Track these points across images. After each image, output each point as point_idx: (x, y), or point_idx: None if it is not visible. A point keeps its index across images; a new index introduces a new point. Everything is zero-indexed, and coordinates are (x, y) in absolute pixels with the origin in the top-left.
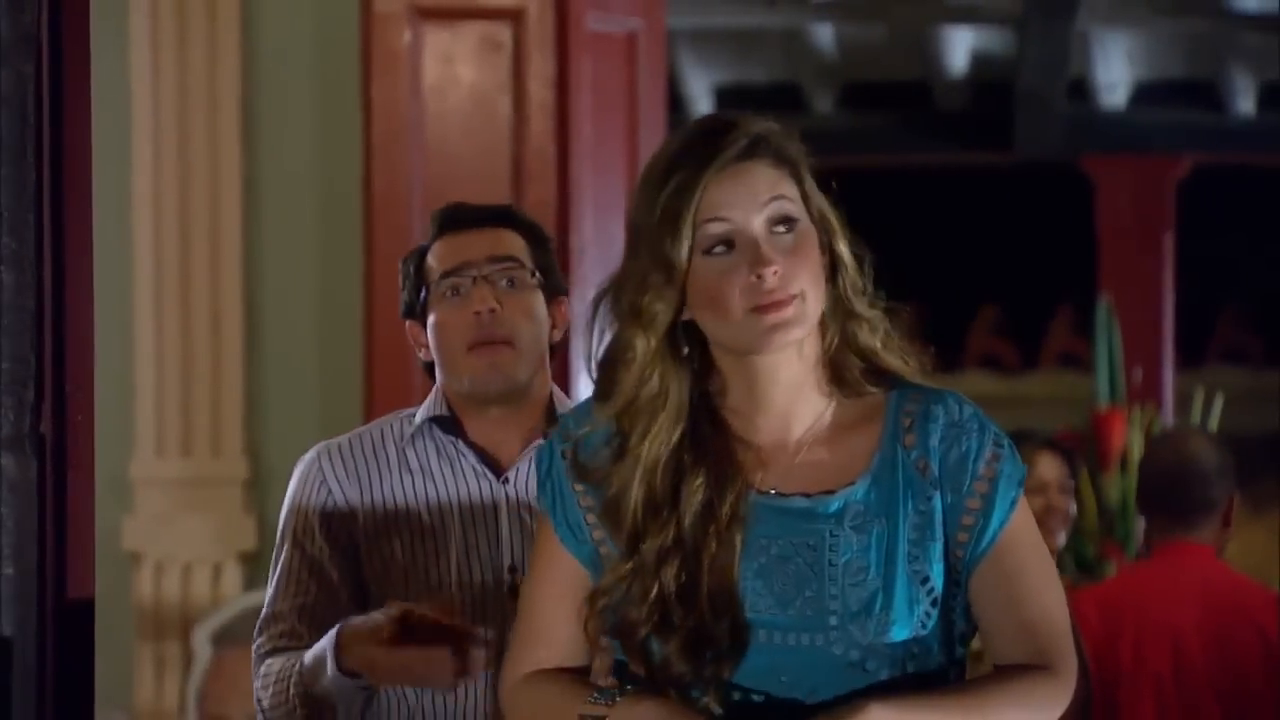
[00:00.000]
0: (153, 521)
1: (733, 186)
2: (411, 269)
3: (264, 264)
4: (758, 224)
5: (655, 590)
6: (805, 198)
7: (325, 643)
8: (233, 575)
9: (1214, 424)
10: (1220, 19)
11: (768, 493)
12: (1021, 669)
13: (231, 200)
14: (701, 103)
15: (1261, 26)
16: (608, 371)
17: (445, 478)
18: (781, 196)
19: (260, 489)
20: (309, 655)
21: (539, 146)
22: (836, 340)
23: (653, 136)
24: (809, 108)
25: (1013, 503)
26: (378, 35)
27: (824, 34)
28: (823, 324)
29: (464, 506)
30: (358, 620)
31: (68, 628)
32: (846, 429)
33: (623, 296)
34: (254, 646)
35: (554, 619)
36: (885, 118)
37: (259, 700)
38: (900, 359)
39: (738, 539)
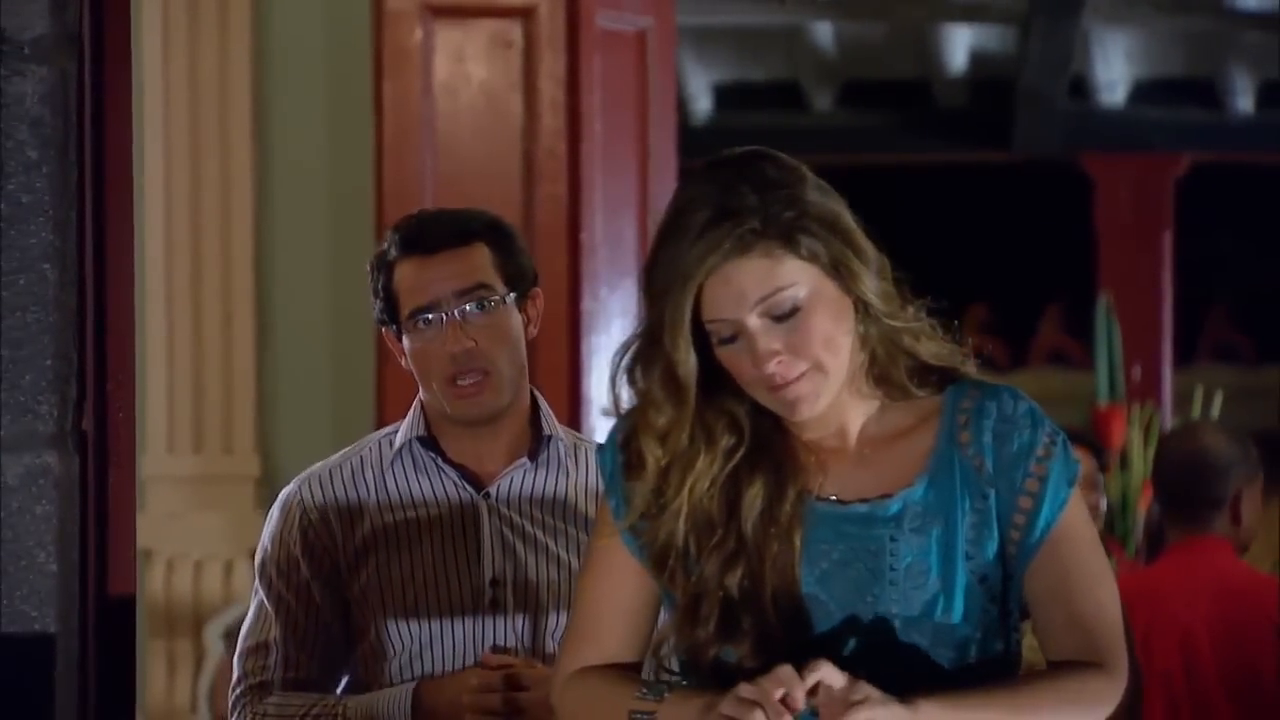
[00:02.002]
0: (164, 519)
1: (724, 290)
2: (380, 286)
3: (275, 261)
4: (753, 320)
5: (720, 603)
6: (811, 257)
7: (391, 699)
8: (244, 573)
9: None
10: (1220, 18)
11: (828, 499)
12: (1072, 665)
13: (243, 198)
14: (702, 101)
15: (1261, 25)
16: (639, 437)
17: (425, 493)
18: (774, 290)
19: (272, 486)
20: (358, 704)
21: (550, 144)
22: (880, 351)
23: (663, 134)
24: (809, 106)
25: (1064, 499)
26: (389, 33)
27: (824, 32)
28: (863, 340)
29: (444, 521)
30: (442, 680)
31: (109, 624)
32: (904, 430)
33: (636, 379)
34: (238, 676)
35: (609, 617)
36: (885, 116)
37: None
38: (944, 351)
39: (797, 538)
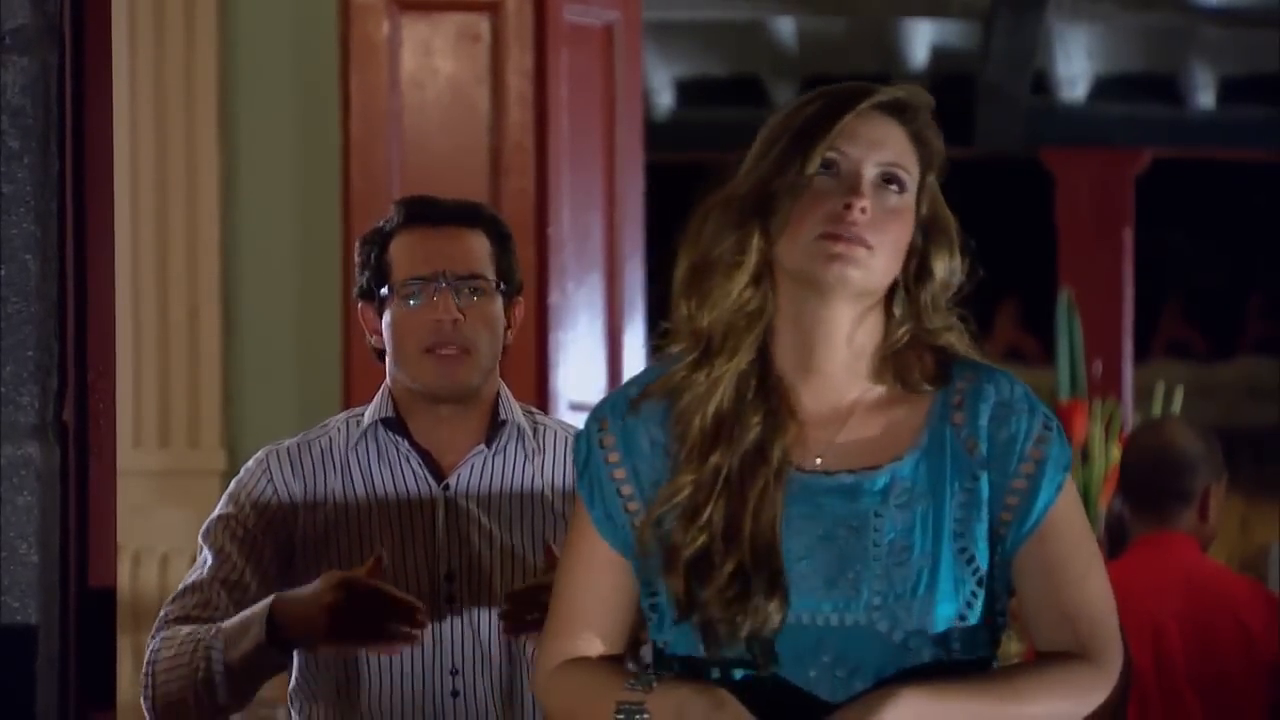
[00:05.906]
0: (130, 513)
1: (866, 130)
2: (372, 257)
3: (242, 255)
4: (869, 169)
5: (705, 516)
6: (922, 188)
7: (254, 612)
8: None
9: None
10: (1181, 14)
11: (813, 469)
12: (1060, 657)
13: (209, 191)
14: (663, 95)
15: (1222, 21)
16: (707, 277)
17: (385, 482)
18: (897, 161)
19: None
20: (230, 622)
21: (517, 138)
22: (904, 339)
23: (629, 128)
24: (769, 100)
25: (1058, 486)
26: (356, 26)
27: (785, 27)
28: (889, 315)
29: (402, 512)
30: (293, 592)
31: (90, 615)
32: (894, 403)
33: (738, 205)
34: (161, 614)
35: (589, 607)
36: None
37: (151, 665)
38: (961, 347)
39: (780, 496)
